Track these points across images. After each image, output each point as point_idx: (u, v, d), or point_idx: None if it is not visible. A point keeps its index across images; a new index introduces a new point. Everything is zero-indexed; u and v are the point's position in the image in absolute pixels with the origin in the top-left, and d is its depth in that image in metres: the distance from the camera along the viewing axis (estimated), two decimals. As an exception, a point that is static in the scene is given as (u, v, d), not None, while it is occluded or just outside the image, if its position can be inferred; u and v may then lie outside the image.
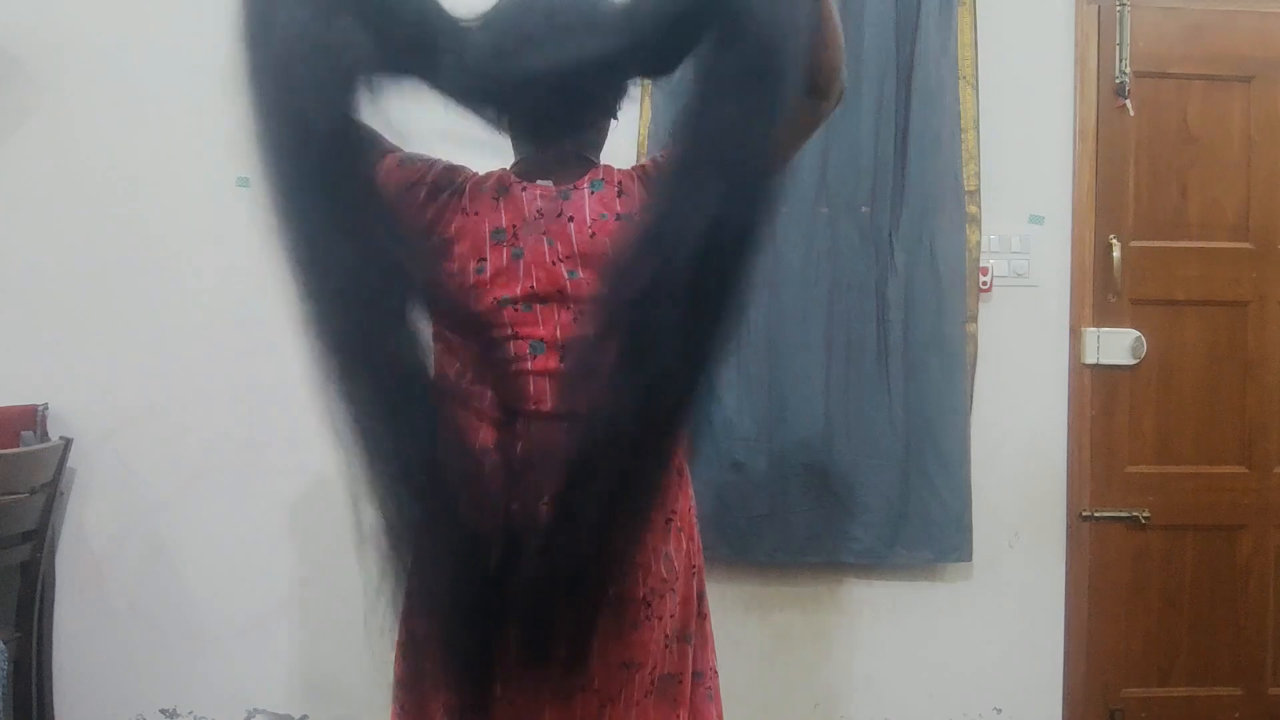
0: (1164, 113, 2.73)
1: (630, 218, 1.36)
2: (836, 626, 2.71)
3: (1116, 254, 2.69)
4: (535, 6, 1.34)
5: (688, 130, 1.26)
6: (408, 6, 1.31)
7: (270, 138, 1.23)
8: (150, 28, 2.58)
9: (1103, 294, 2.71)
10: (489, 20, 1.36)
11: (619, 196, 1.39)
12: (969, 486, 2.63)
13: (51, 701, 2.54)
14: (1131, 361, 2.73)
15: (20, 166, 2.59)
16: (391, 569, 1.28)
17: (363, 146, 1.33)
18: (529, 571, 1.25)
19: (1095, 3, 2.71)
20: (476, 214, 1.38)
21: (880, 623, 2.71)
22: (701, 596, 1.51)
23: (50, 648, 2.54)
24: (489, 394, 1.37)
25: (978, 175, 2.63)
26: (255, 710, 2.63)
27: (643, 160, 2.28)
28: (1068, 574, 2.74)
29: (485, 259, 1.37)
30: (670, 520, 1.42)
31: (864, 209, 2.60)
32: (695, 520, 1.50)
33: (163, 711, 2.63)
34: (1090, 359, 2.72)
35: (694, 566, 1.48)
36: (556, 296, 1.36)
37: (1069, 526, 2.74)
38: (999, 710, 2.74)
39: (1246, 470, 2.77)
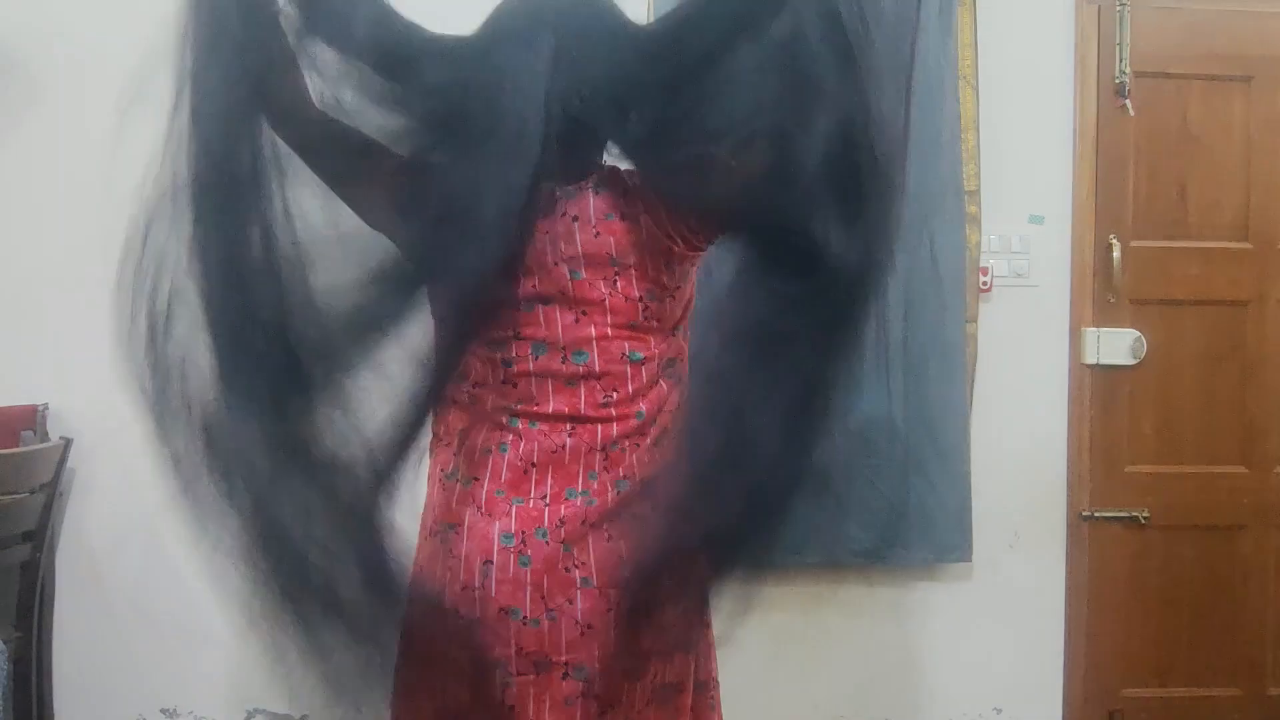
0: (1164, 113, 2.73)
1: (636, 219, 1.36)
2: (836, 626, 2.71)
3: (1116, 254, 2.69)
4: (539, 21, 1.33)
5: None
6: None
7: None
8: (150, 28, 2.58)
9: (1103, 294, 2.71)
10: (485, 43, 1.36)
11: (624, 196, 1.39)
12: (969, 486, 2.63)
13: (51, 701, 2.54)
14: (1131, 361, 2.73)
15: (20, 166, 2.59)
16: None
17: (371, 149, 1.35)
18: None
19: (1095, 3, 2.71)
20: None
21: (880, 623, 2.71)
22: (705, 604, 1.50)
23: (50, 648, 2.54)
24: (490, 396, 1.37)
25: (978, 175, 2.63)
26: (255, 710, 2.63)
27: None
28: (1068, 574, 2.74)
29: None
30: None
31: (864, 209, 2.60)
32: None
33: (163, 711, 2.63)
34: (1090, 359, 2.72)
35: (697, 575, 1.47)
36: (559, 297, 1.36)
37: (1069, 526, 2.74)
38: (999, 710, 2.74)
39: (1246, 470, 2.77)
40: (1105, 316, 2.72)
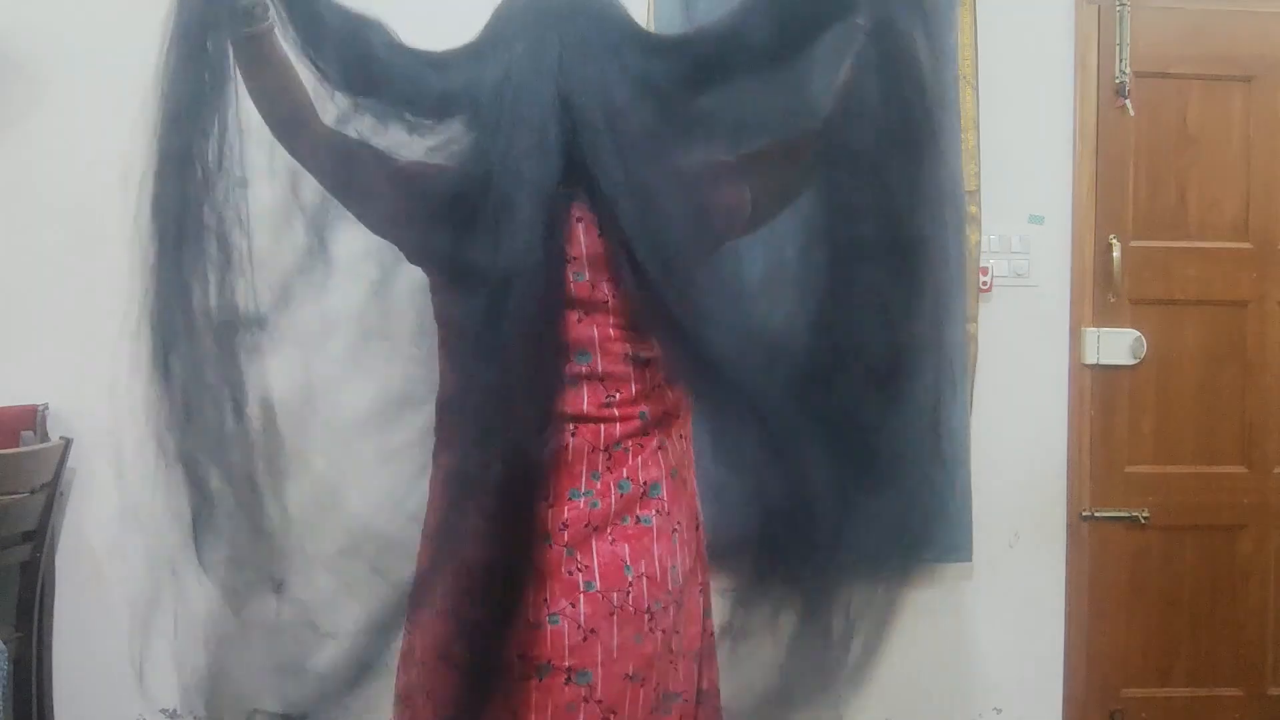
0: (1164, 113, 2.73)
1: None
2: (836, 627, 2.70)
3: (1116, 254, 2.69)
4: (546, 26, 1.34)
5: None
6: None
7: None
8: (150, 28, 2.58)
9: (1103, 294, 2.71)
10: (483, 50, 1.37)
11: None
12: (969, 486, 2.62)
13: (51, 701, 2.54)
14: (1131, 361, 2.73)
15: (20, 166, 2.59)
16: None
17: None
18: None
19: (1095, 3, 2.70)
20: None
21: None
22: (707, 614, 1.50)
23: (50, 648, 2.54)
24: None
25: (978, 175, 2.63)
26: (255, 710, 2.62)
27: None
28: (1068, 574, 2.74)
29: None
30: (675, 531, 1.41)
31: (864, 209, 2.60)
32: (703, 536, 1.48)
33: (163, 711, 2.62)
34: (1090, 359, 2.72)
35: (700, 583, 1.47)
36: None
37: (1069, 526, 2.74)
38: (999, 710, 2.74)
39: (1246, 470, 2.77)
40: (1105, 316, 2.72)
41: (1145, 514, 2.73)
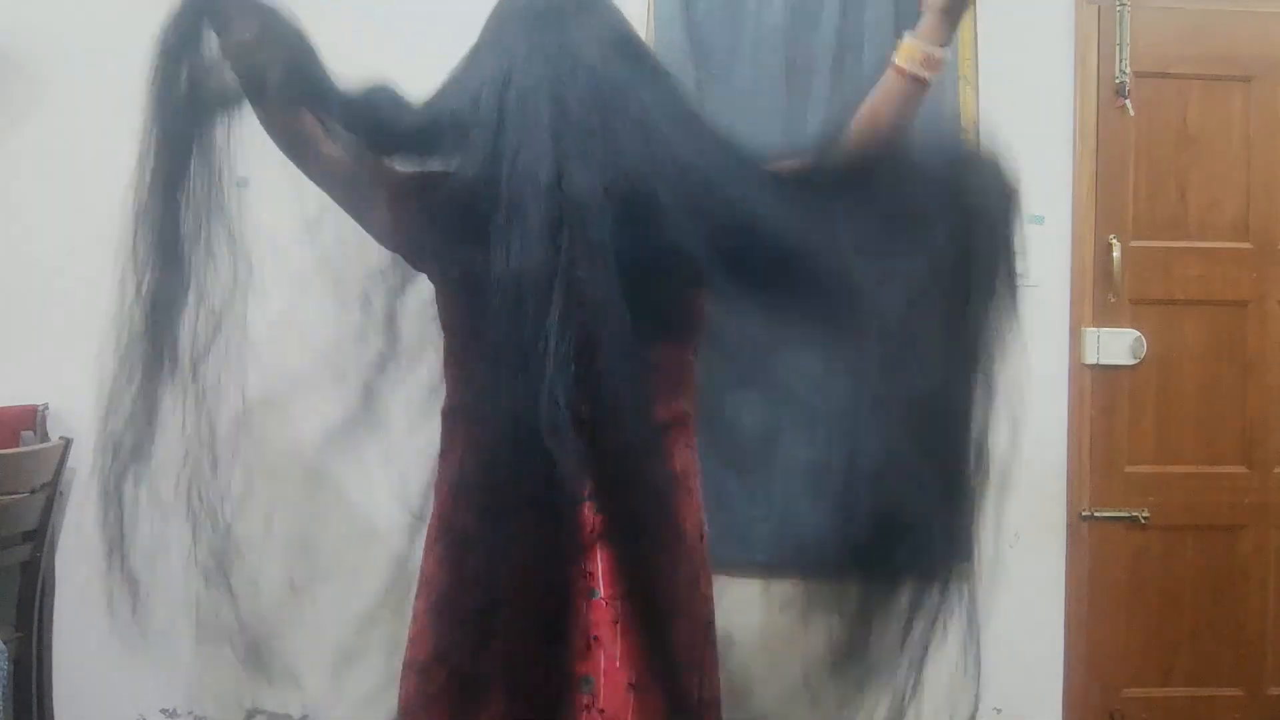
0: (1164, 113, 2.73)
1: None
2: (836, 627, 2.70)
3: (1116, 254, 2.68)
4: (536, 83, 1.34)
5: None
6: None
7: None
8: (150, 28, 2.58)
9: (1103, 294, 2.71)
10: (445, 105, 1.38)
11: None
12: (970, 487, 2.62)
13: (51, 701, 2.54)
14: (1131, 361, 2.72)
15: (20, 166, 2.59)
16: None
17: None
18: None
19: (1095, 3, 2.70)
20: None
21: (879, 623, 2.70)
22: (709, 624, 1.49)
23: (50, 648, 2.54)
24: None
25: (978, 175, 2.63)
26: (255, 710, 2.63)
27: None
28: (1068, 574, 2.74)
29: None
30: (680, 540, 1.41)
31: (864, 209, 2.60)
32: (707, 545, 1.48)
33: (163, 711, 2.62)
34: (1090, 359, 2.72)
35: (703, 595, 1.46)
36: None
37: (1069, 526, 2.74)
38: (999, 710, 2.74)
39: (1246, 470, 2.77)
40: (1105, 316, 2.72)
41: (1145, 514, 2.73)
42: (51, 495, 2.42)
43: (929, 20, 1.53)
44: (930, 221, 1.45)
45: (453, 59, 1.49)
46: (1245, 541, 2.78)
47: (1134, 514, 2.73)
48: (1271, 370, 2.76)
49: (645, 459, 1.34)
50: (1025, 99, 2.69)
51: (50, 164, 2.59)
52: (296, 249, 1.73)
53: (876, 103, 1.55)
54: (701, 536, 1.48)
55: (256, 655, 1.49)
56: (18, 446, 2.42)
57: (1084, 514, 2.73)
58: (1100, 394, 2.73)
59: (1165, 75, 2.72)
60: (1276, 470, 2.78)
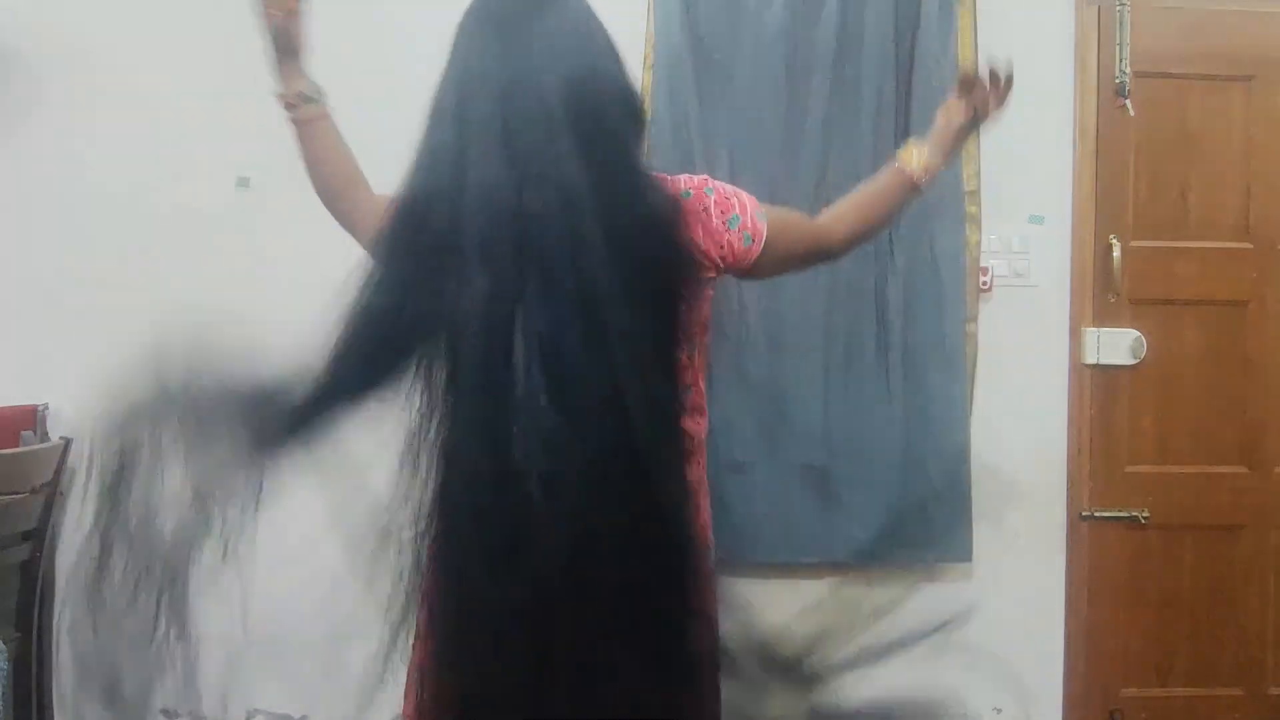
0: (1164, 113, 2.73)
1: None
2: (836, 627, 2.70)
3: (1116, 254, 2.69)
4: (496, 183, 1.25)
5: None
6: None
7: None
8: (151, 28, 2.58)
9: (1103, 294, 2.71)
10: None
11: None
12: (969, 486, 2.62)
13: (51, 701, 2.54)
14: (1131, 361, 2.73)
15: (20, 166, 2.59)
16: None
17: None
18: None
19: (1095, 3, 2.70)
20: None
21: (880, 623, 2.70)
22: (715, 648, 1.49)
23: (50, 648, 2.54)
24: None
25: (978, 175, 2.63)
26: (255, 710, 2.63)
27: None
28: (1068, 574, 2.74)
29: None
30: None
31: (864, 209, 2.60)
32: (714, 582, 1.46)
33: (163, 712, 2.62)
34: (1090, 359, 2.72)
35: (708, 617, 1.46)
36: None
37: (1069, 526, 2.74)
38: (999, 710, 2.74)
39: (1246, 470, 2.77)
40: (1105, 316, 2.72)
41: (1145, 514, 2.73)
42: (51, 495, 2.42)
43: (941, 136, 1.58)
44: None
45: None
46: (1245, 541, 2.78)
47: (1134, 514, 2.73)
48: (1271, 370, 2.76)
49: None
50: (1025, 99, 2.68)
51: (50, 164, 2.59)
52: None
53: (873, 197, 1.59)
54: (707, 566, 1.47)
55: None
56: (18, 446, 2.42)
57: (1084, 514, 2.73)
58: (1100, 394, 2.73)
59: (1165, 75, 2.72)
60: (1276, 470, 2.78)
